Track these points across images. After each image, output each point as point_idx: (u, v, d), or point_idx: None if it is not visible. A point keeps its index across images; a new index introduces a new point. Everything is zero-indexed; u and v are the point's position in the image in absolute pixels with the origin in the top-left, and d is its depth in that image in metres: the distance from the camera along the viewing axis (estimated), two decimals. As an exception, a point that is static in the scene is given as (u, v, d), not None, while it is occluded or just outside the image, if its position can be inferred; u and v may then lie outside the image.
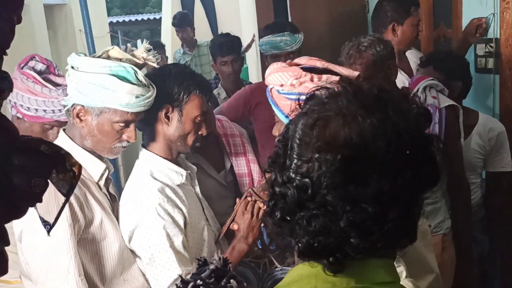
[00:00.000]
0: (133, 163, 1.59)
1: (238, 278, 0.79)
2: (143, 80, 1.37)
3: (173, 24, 4.67)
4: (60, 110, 1.57)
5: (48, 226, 0.76)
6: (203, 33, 6.24)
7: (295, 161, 0.64)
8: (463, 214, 2.02)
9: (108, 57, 1.38)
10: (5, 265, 0.66)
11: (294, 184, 0.63)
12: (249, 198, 1.59)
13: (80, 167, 0.70)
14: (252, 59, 3.82)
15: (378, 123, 0.62)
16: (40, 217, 0.74)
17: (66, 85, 1.61)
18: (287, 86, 1.24)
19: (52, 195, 0.69)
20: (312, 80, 1.22)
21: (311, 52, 3.40)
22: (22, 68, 1.58)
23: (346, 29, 3.67)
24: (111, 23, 10.13)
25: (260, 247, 1.75)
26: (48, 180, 0.68)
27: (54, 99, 1.55)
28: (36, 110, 1.56)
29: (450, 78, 2.14)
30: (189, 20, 4.54)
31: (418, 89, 1.91)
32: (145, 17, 11.72)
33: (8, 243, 0.64)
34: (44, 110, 1.56)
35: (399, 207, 0.61)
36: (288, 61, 1.38)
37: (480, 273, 2.39)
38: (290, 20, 3.52)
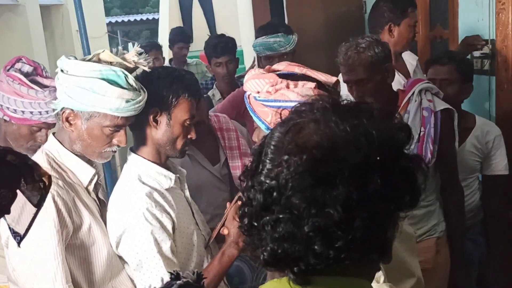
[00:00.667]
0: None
1: None
2: (134, 84, 1.35)
3: (168, 39, 4.41)
4: (47, 112, 1.55)
5: (18, 238, 0.74)
6: (201, 34, 6.23)
7: (267, 165, 0.64)
8: (456, 217, 2.00)
9: (99, 60, 1.36)
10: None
11: (263, 188, 0.62)
12: (239, 203, 1.57)
13: (49, 177, 0.68)
14: (250, 59, 3.80)
15: (350, 128, 0.61)
16: (10, 228, 0.72)
17: (54, 87, 1.60)
18: (263, 93, 1.24)
19: (24, 206, 0.67)
20: (288, 87, 1.22)
21: (307, 52, 3.42)
22: (8, 70, 1.57)
23: (343, 30, 3.65)
24: (110, 23, 10.13)
25: None
26: (18, 191, 0.66)
27: (41, 100, 1.53)
28: (23, 112, 1.55)
29: (468, 79, 2.15)
30: (183, 37, 4.25)
31: (414, 92, 1.89)
32: (145, 17, 11.71)
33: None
34: (31, 112, 1.55)
35: (366, 216, 0.60)
36: (267, 66, 1.38)
37: (480, 276, 2.37)
38: (286, 20, 3.51)
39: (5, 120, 1.60)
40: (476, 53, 2.39)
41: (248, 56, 4.19)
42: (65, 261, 1.28)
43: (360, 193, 0.59)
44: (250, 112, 1.30)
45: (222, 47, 2.71)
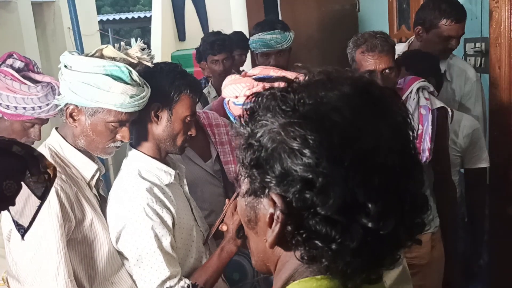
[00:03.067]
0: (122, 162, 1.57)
1: None
2: (138, 80, 1.35)
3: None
4: (40, 107, 1.55)
5: (22, 230, 0.73)
6: (194, 32, 6.21)
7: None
8: (449, 213, 2.03)
9: (102, 56, 1.35)
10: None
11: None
12: (238, 199, 1.57)
13: (55, 169, 0.68)
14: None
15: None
16: (14, 220, 0.71)
17: (46, 82, 1.59)
18: (241, 97, 1.26)
19: (28, 198, 0.66)
20: (264, 88, 1.24)
21: (301, 50, 3.42)
22: None
23: (336, 28, 3.68)
24: (101, 21, 10.05)
25: None
26: (22, 183, 0.65)
27: (33, 96, 1.53)
28: (16, 107, 1.53)
29: (423, 77, 2.11)
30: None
31: (411, 90, 1.91)
32: (136, 15, 11.65)
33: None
34: (24, 108, 1.54)
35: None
36: (243, 72, 1.40)
37: (466, 270, 2.40)
38: (280, 18, 3.51)
39: None
40: (470, 51, 2.41)
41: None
42: (68, 256, 1.27)
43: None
44: (230, 117, 1.32)
45: (219, 44, 2.70)
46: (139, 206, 1.41)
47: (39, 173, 0.67)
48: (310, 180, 0.54)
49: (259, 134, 0.58)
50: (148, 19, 10.90)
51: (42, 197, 0.68)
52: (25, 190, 0.67)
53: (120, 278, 1.45)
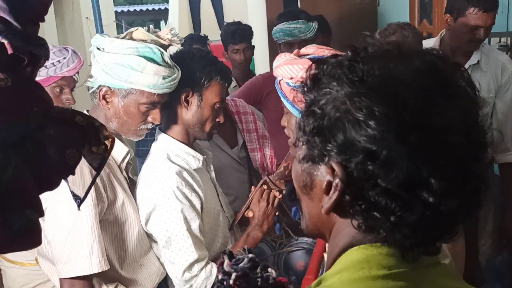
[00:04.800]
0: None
1: (272, 266, 0.77)
2: (169, 61, 1.36)
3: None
4: (59, 61, 1.61)
5: (79, 200, 0.75)
6: (209, 25, 6.21)
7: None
8: None
9: (132, 39, 1.36)
10: (39, 236, 0.65)
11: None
12: (264, 186, 1.58)
13: (113, 140, 0.69)
14: (260, 49, 3.79)
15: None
16: (70, 190, 0.73)
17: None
18: (297, 78, 1.24)
19: (78, 169, 0.67)
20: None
21: (319, 44, 3.39)
22: None
23: (356, 22, 3.66)
24: (115, 13, 10.06)
25: (277, 233, 1.76)
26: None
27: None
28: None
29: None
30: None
31: None
32: (150, 7, 11.66)
33: (42, 214, 0.63)
34: (45, 66, 1.59)
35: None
36: (296, 50, 1.38)
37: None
38: (300, 11, 3.50)
39: None
40: (496, 45, 2.39)
41: (258, 47, 4.18)
42: (101, 235, 1.28)
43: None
44: (281, 97, 1.30)
45: (241, 34, 2.71)
46: (169, 189, 1.42)
47: (99, 144, 0.68)
48: (373, 152, 0.54)
49: (322, 102, 0.58)
50: (162, 12, 10.90)
51: (99, 168, 0.69)
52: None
53: (148, 260, 1.47)
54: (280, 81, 1.32)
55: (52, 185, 0.67)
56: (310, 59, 1.32)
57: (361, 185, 0.56)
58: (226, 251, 0.83)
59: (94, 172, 0.71)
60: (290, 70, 1.27)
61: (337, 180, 0.57)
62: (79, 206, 0.73)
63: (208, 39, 3.18)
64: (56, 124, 0.64)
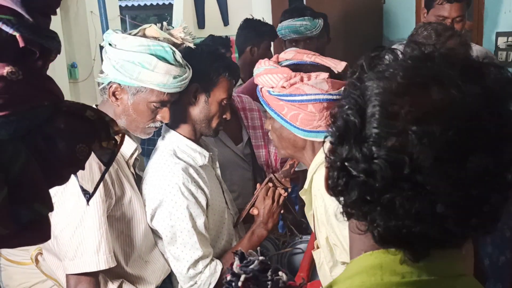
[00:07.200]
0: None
1: (283, 269, 0.76)
2: (181, 61, 1.35)
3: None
4: None
5: (88, 196, 0.74)
6: (213, 21, 6.19)
7: (378, 132, 0.54)
8: None
9: (144, 35, 1.35)
10: (48, 231, 0.65)
11: (384, 160, 0.53)
12: (270, 184, 1.58)
13: (123, 135, 0.68)
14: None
15: (481, 91, 0.54)
16: (79, 185, 0.72)
17: None
18: (278, 87, 1.24)
19: (87, 165, 0.67)
20: (302, 80, 1.22)
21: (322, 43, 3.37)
22: None
23: (361, 20, 3.64)
24: (119, 7, 10.04)
25: (281, 231, 1.76)
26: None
27: None
28: None
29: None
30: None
31: None
32: (154, 2, 11.62)
33: (52, 209, 0.63)
34: None
35: (501, 189, 0.54)
36: (275, 55, 1.36)
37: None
38: (305, 7, 3.48)
39: None
40: (502, 45, 2.38)
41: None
42: (108, 231, 1.28)
43: (496, 165, 0.53)
44: (263, 105, 1.30)
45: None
46: (175, 185, 1.42)
47: (109, 139, 0.67)
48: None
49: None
50: (166, 6, 10.87)
51: (108, 164, 0.69)
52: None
53: (153, 257, 1.46)
54: (261, 89, 1.32)
55: (62, 180, 0.67)
56: (287, 65, 1.31)
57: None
58: (238, 251, 0.83)
59: (103, 168, 0.70)
60: (271, 80, 1.27)
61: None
62: (88, 201, 0.73)
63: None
64: (67, 118, 0.63)
